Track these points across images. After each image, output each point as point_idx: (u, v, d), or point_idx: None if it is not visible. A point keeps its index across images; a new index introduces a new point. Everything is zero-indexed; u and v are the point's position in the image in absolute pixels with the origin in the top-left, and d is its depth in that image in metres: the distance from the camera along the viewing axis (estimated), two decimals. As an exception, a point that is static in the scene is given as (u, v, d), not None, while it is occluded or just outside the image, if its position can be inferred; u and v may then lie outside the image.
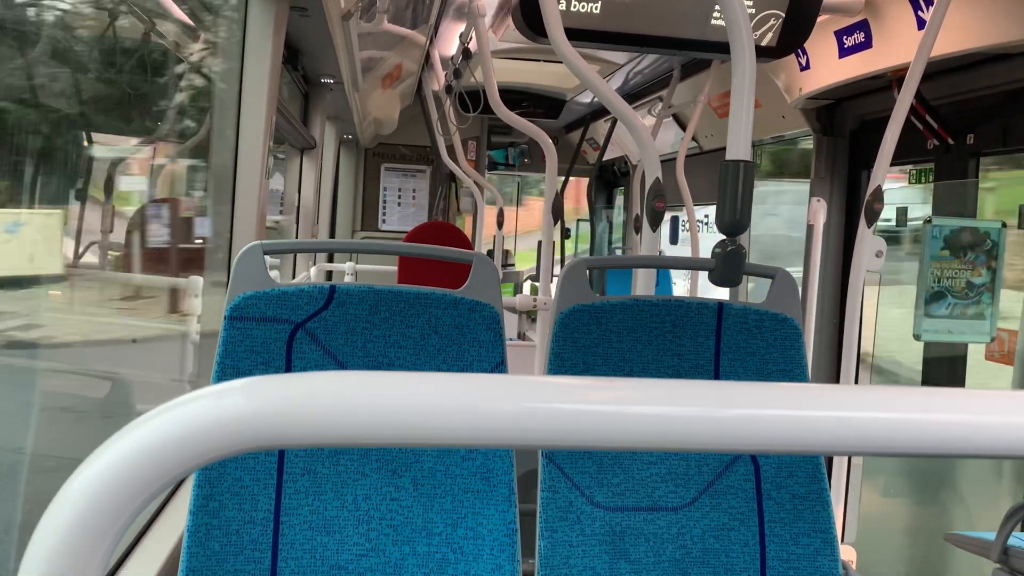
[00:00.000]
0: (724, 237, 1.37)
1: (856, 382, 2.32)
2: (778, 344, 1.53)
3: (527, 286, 6.39)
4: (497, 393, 0.42)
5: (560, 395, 0.43)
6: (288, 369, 1.40)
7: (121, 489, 0.38)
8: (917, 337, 2.55)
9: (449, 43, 3.99)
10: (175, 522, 1.63)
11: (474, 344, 1.44)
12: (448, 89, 4.12)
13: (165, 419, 0.39)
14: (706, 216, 5.05)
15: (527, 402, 0.42)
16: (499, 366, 1.45)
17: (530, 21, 2.36)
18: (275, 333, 1.40)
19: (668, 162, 3.98)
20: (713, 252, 1.40)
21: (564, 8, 2.42)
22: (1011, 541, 2.15)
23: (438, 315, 1.45)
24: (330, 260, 5.09)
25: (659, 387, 0.44)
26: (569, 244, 7.56)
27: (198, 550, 1.34)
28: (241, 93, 2.07)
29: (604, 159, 5.95)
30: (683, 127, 4.51)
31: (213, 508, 1.35)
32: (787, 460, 1.51)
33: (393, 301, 1.44)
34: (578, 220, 7.94)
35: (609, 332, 1.51)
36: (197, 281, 2.43)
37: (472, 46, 3.46)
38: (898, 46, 2.49)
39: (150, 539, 1.58)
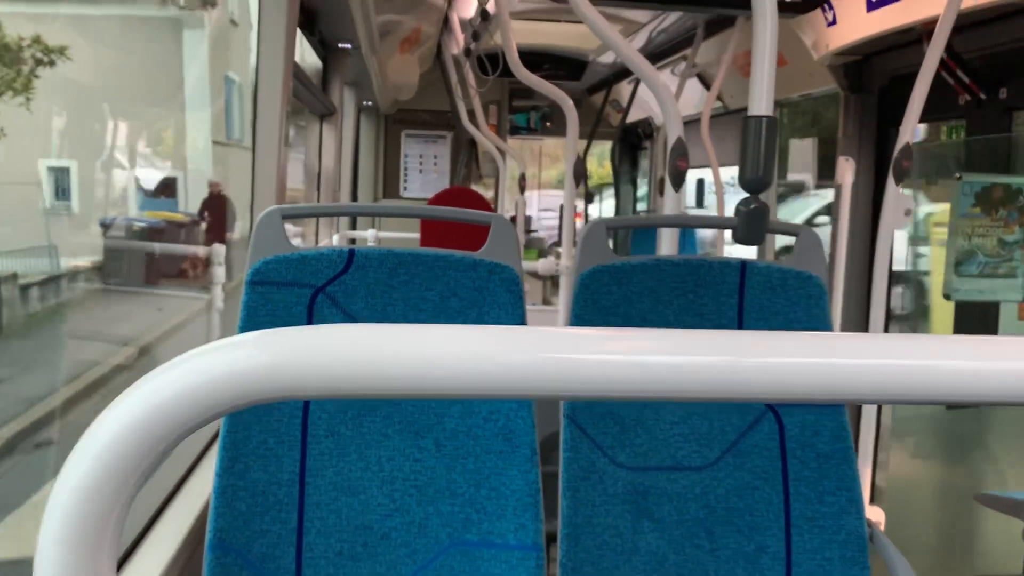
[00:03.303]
0: (747, 195, 1.34)
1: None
2: (802, 302, 1.51)
3: (553, 255, 6.37)
4: (513, 343, 0.41)
5: (577, 345, 0.42)
6: None
7: (137, 442, 0.38)
8: (947, 297, 2.50)
9: (467, 4, 3.94)
10: (202, 484, 1.65)
11: (494, 306, 1.44)
12: (467, 52, 4.08)
13: (179, 372, 0.39)
14: (732, 177, 4.98)
15: (543, 352, 0.41)
16: None
17: (549, -21, 2.32)
18: (296, 297, 1.41)
19: (693, 123, 3.92)
20: (736, 210, 1.37)
21: (583, -35, 2.37)
22: (1042, 501, 2.12)
23: (457, 277, 1.44)
24: (353, 228, 5.10)
25: (678, 336, 0.44)
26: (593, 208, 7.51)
27: (225, 511, 1.35)
28: (258, 57, 2.06)
29: (628, 121, 5.87)
30: (708, 87, 4.44)
31: (239, 470, 1.37)
32: (811, 419, 1.50)
33: (412, 264, 1.44)
34: (601, 186, 7.88)
35: (630, 292, 1.50)
36: (220, 249, 2.44)
37: (491, 7, 3.41)
38: (928, -3, 2.42)
39: (179, 501, 1.60)
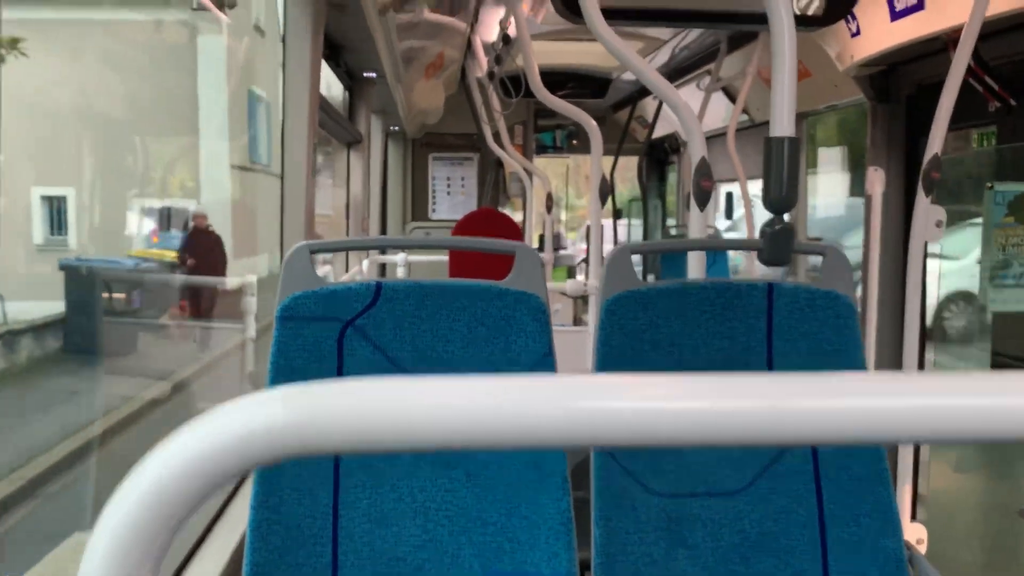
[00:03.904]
0: (772, 216, 1.33)
1: (922, 358, 2.24)
2: (831, 323, 1.49)
3: (581, 271, 6.36)
4: (545, 393, 0.41)
5: (609, 393, 0.42)
6: (340, 366, 1.42)
7: (169, 496, 0.39)
8: (984, 308, 2.46)
9: (490, 29, 3.97)
10: (238, 518, 1.67)
11: (520, 335, 1.44)
12: (491, 75, 4.11)
13: (209, 428, 0.40)
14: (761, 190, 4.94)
15: (574, 402, 0.41)
16: (546, 356, 1.44)
17: (568, 3, 2.33)
18: (326, 331, 1.42)
19: (719, 136, 3.91)
20: (761, 231, 1.36)
21: (602, -13, 2.38)
22: (1089, 515, 2.07)
23: (484, 307, 1.45)
24: (383, 252, 5.15)
25: (710, 382, 0.43)
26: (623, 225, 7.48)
27: (261, 545, 1.37)
28: (284, 92, 2.10)
29: (654, 137, 5.86)
30: (733, 100, 4.42)
31: (273, 503, 1.38)
32: None
33: (439, 295, 1.45)
34: (631, 200, 7.85)
35: (657, 317, 1.49)
36: (252, 281, 2.47)
37: (512, 31, 3.44)
38: (952, 6, 2.40)
39: (215, 536, 1.62)
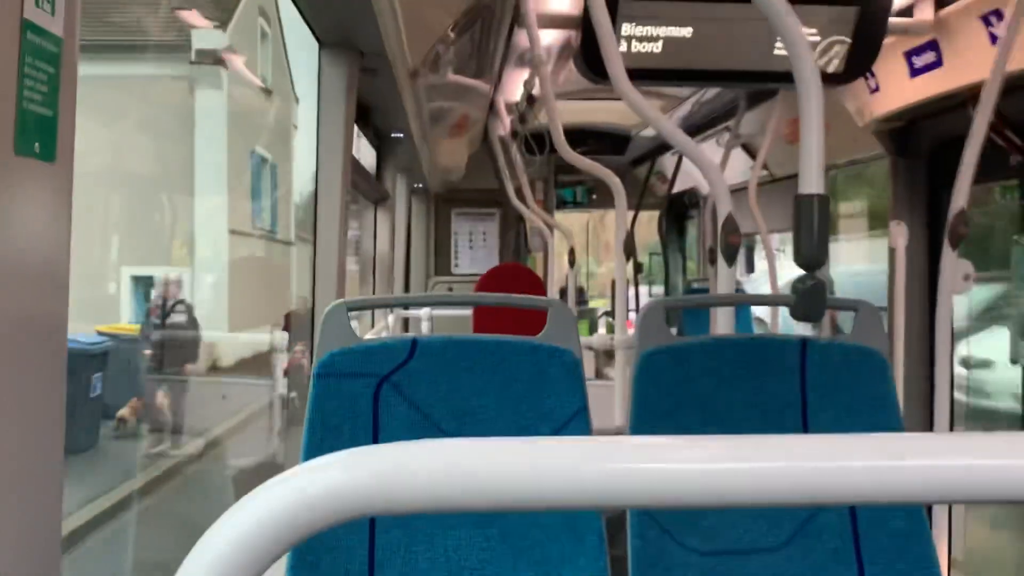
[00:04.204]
0: (803, 272, 1.35)
1: (952, 415, 2.23)
2: (865, 378, 1.49)
3: (602, 323, 6.37)
4: (586, 456, 0.43)
5: (649, 456, 0.44)
6: (375, 422, 1.43)
7: (233, 567, 0.41)
8: (1014, 362, 2.44)
9: (513, 89, 4.06)
10: (272, 576, 1.67)
11: (555, 391, 1.45)
12: (514, 134, 4.19)
13: (271, 495, 0.42)
14: (781, 242, 4.96)
15: (615, 463, 0.43)
16: (580, 412, 1.45)
17: (592, 65, 2.39)
18: (362, 387, 1.44)
19: (739, 191, 3.94)
20: (793, 287, 1.38)
21: (625, 50, 2.45)
22: None
23: (518, 363, 1.46)
24: (406, 308, 5.19)
25: (748, 443, 0.45)
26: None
27: None
28: (319, 154, 2.16)
29: (673, 191, 5.92)
30: (752, 156, 4.47)
31: (311, 561, 1.39)
32: None
33: (473, 351, 1.47)
34: (651, 253, 7.88)
35: (691, 373, 1.50)
36: (283, 337, 2.51)
37: (536, 91, 3.52)
38: (971, 63, 2.43)
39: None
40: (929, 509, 2.07)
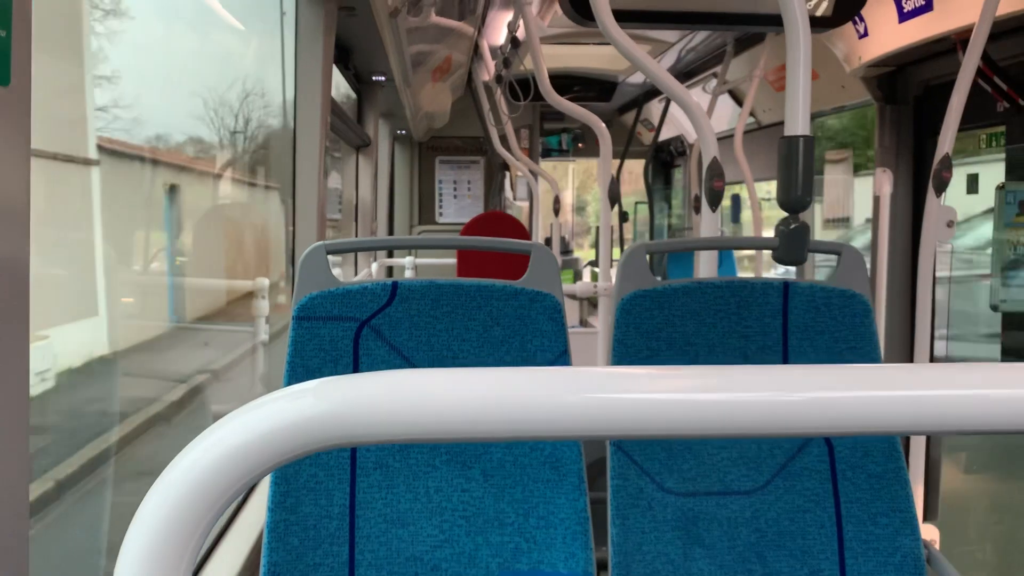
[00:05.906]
0: (787, 215, 1.34)
1: (932, 355, 2.25)
2: (847, 322, 1.49)
3: (587, 272, 6.37)
4: (563, 385, 0.42)
5: (626, 385, 0.43)
6: (356, 365, 1.43)
7: (204, 492, 0.40)
8: (994, 308, 2.46)
9: (497, 32, 3.98)
10: (255, 519, 1.67)
11: (536, 334, 1.45)
12: (498, 79, 4.12)
13: (242, 422, 0.41)
14: (768, 192, 4.95)
15: (593, 393, 0.42)
16: (562, 355, 1.45)
17: (577, 5, 2.33)
18: (342, 331, 1.43)
19: (726, 139, 3.92)
20: (776, 230, 1.37)
21: (611, -10, 2.39)
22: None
23: (499, 307, 1.45)
24: (390, 255, 5.16)
25: (727, 373, 0.44)
26: (628, 227, 7.47)
27: (278, 545, 1.37)
28: (296, 95, 2.11)
29: (660, 139, 5.87)
30: (739, 103, 4.43)
31: (290, 504, 1.39)
32: (862, 440, 1.48)
33: (454, 295, 1.45)
34: (636, 203, 7.86)
35: (672, 316, 1.50)
36: (263, 283, 2.48)
37: (520, 34, 3.45)
38: (961, 7, 2.40)
39: (232, 536, 1.63)
40: (907, 453, 2.09)
